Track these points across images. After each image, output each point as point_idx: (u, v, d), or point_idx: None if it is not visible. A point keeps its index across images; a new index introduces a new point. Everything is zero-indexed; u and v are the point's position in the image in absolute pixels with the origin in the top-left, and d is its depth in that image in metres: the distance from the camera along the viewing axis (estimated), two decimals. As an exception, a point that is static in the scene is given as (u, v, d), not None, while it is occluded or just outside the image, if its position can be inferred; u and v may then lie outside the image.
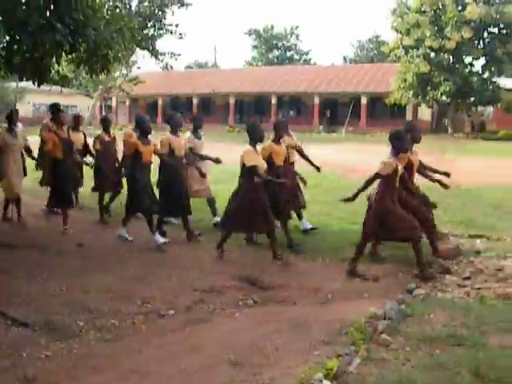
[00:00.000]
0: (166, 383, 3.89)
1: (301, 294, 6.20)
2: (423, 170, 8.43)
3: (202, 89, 49.83)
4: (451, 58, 38.33)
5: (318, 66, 58.16)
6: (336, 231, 9.17)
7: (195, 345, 4.44)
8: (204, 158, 9.49)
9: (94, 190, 10.24)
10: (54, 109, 9.62)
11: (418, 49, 38.09)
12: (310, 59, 74.87)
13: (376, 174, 7.01)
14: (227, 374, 3.83)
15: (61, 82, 10.85)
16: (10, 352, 4.55)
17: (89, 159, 10.43)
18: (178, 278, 6.68)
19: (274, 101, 47.16)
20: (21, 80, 9.13)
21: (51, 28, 7.30)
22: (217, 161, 9.33)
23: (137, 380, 3.99)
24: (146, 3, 22.89)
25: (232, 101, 48.53)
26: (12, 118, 9.31)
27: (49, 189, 9.43)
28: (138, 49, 12.57)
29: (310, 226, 9.10)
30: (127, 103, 51.18)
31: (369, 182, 7.09)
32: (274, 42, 72.75)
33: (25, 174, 9.73)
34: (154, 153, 8.58)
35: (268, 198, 7.72)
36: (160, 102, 50.88)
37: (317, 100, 46.21)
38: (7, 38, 7.63)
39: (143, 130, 8.57)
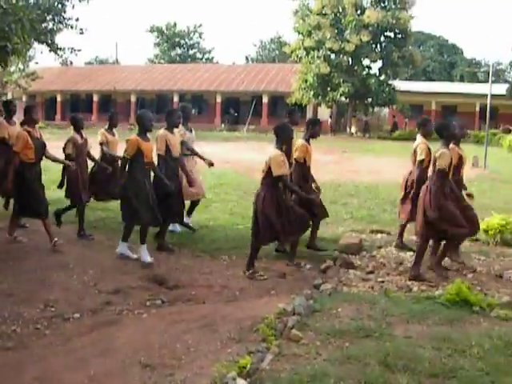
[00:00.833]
0: (73, 391, 3.73)
1: (209, 293, 6.14)
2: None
3: (103, 86, 48.67)
4: (350, 60, 39.66)
5: (221, 65, 58.29)
6: (240, 229, 9.18)
7: (104, 349, 4.28)
8: (197, 154, 9.03)
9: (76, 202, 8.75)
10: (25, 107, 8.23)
11: (318, 50, 39.05)
12: (212, 58, 74.95)
13: (440, 171, 6.80)
14: (139, 377, 3.72)
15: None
16: None
17: None
18: (82, 279, 6.42)
19: (176, 99, 46.79)
20: None
21: None
22: (210, 164, 8.96)
23: (42, 389, 3.79)
24: (45, -5, 22.28)
25: (133, 98, 47.73)
26: None
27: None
28: (36, 43, 11.97)
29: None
30: (24, 99, 49.06)
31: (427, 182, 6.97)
32: (177, 40, 72.15)
33: None
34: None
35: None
36: (59, 98, 49.20)
37: (219, 98, 46.38)
38: None
39: (146, 128, 7.54)
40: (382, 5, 39.23)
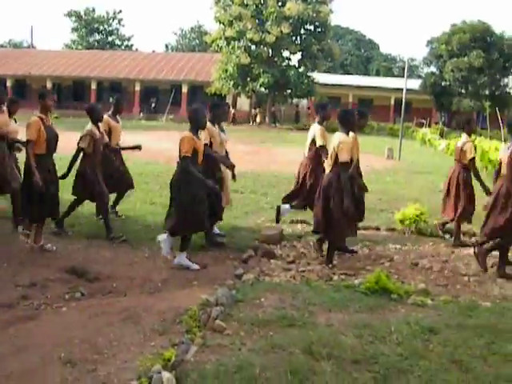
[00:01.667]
0: (-11, 390, 3.56)
1: (130, 285, 6.02)
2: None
3: (17, 70, 46.72)
4: (271, 51, 39.93)
5: (140, 53, 57.36)
6: (161, 220, 9.04)
7: (22, 345, 4.09)
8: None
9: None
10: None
11: (239, 41, 39.10)
12: (131, 45, 73.59)
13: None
14: (60, 374, 3.58)
15: None
16: None
17: None
18: (-4, 272, 6.16)
19: (93, 86, 45.71)
20: None
21: None
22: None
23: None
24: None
25: (49, 84, 46.00)
26: None
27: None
28: None
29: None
30: None
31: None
32: (95, 26, 70.30)
33: None
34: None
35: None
36: (-32, 83, 46.88)
37: (138, 87, 45.65)
38: None
39: (200, 125, 7.01)
40: (303, -2, 39.72)
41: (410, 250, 8.08)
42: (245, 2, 39.28)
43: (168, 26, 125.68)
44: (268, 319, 4.61)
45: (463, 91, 43.29)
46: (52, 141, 7.08)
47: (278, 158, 20.18)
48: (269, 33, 38.13)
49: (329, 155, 7.19)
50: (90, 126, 7.95)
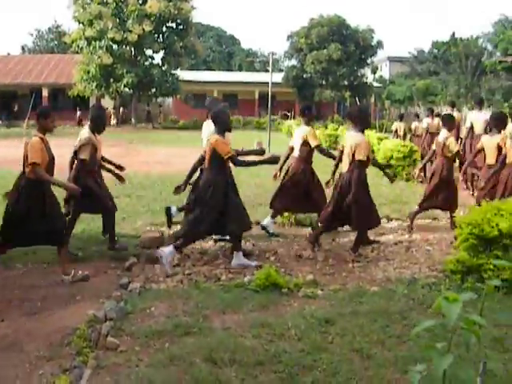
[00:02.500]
0: None
1: (6, 308, 5.52)
2: None
3: None
4: (133, 50, 39.06)
5: (-7, 56, 53.90)
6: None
7: None
8: None
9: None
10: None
11: (100, 40, 37.77)
12: (-19, 48, 69.00)
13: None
14: None
15: None
16: None
17: None
18: None
19: None
20: None
21: None
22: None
23: None
24: None
25: None
26: None
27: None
28: None
29: None
30: None
31: None
32: None
33: None
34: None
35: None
36: None
37: (-6, 92, 42.88)
38: None
39: (226, 127, 6.99)
40: (165, -5, 39.22)
41: (292, 241, 8.14)
42: (105, 1, 38.07)
43: (23, 26, 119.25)
44: (162, 329, 4.41)
45: (324, 82, 45.03)
46: (52, 164, 6.41)
47: (148, 158, 19.77)
48: (130, 31, 37.25)
49: (345, 154, 7.35)
50: (88, 133, 7.24)
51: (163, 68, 40.27)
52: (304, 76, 45.50)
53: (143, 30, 37.26)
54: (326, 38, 43.39)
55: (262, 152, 7.42)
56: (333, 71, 43.28)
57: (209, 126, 7.93)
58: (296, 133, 8.82)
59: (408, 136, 19.99)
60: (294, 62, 48.12)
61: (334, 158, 8.19)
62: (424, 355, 3.69)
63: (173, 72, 40.34)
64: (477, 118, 12.68)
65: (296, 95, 46.72)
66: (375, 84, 50.78)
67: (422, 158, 11.43)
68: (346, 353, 3.96)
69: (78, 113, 40.07)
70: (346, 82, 44.86)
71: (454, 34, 54.19)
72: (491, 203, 6.11)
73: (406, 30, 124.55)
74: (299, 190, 8.49)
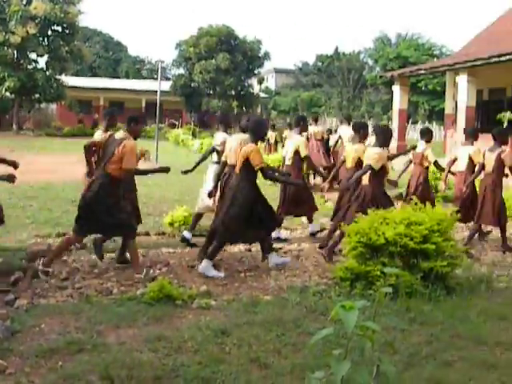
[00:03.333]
0: None
1: None
2: None
3: None
4: (16, 53, 37.37)
5: None
6: None
7: None
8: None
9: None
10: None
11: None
12: None
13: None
14: None
15: None
16: None
17: None
18: None
19: None
20: None
21: None
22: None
23: None
24: None
25: None
26: None
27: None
28: None
29: None
30: None
31: None
32: None
33: None
34: None
35: None
36: None
37: None
38: None
39: (261, 136, 7.37)
40: (51, -3, 37.87)
41: (184, 252, 8.10)
42: (-16, -1, 36.26)
43: None
44: (54, 348, 4.23)
45: (212, 92, 45.30)
46: None
47: (30, 167, 18.92)
48: (13, 33, 35.57)
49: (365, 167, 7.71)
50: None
51: (47, 73, 38.89)
52: (192, 85, 45.57)
53: (27, 32, 35.75)
54: (215, 48, 43.74)
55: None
56: (220, 81, 43.66)
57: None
58: (289, 143, 9.28)
59: (280, 144, 20.81)
60: (182, 70, 48.09)
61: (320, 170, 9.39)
62: (319, 362, 3.81)
63: (57, 77, 39.06)
64: (345, 133, 14.38)
65: (183, 104, 46.66)
66: (262, 94, 51.86)
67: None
68: (244, 363, 4.00)
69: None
70: (233, 92, 45.42)
71: (337, 48, 56.60)
72: (377, 212, 6.41)
73: (291, 42, 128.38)
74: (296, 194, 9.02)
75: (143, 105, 48.11)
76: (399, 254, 5.92)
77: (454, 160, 9.71)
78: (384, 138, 7.81)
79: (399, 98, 23.03)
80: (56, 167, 18.44)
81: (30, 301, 5.75)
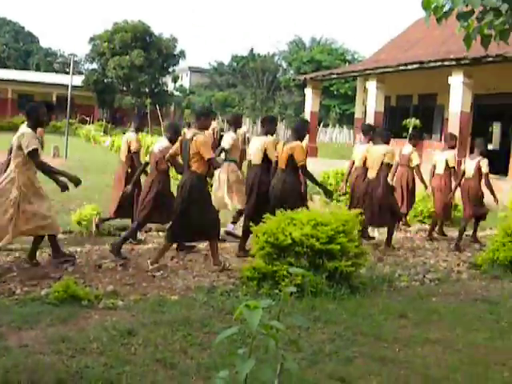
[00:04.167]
0: None
1: None
2: None
3: None
4: None
5: None
6: None
7: None
8: None
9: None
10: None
11: None
12: None
13: None
14: None
15: None
16: None
17: None
18: None
19: None
20: None
21: None
22: None
23: None
24: None
25: None
26: None
27: None
28: None
29: None
30: None
31: None
32: None
33: None
34: None
35: None
36: None
37: None
38: None
39: (304, 135, 8.07)
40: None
41: (92, 251, 7.94)
42: None
43: None
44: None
45: (125, 88, 44.52)
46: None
47: None
48: None
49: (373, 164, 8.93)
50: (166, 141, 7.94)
51: None
52: (105, 81, 44.60)
53: None
54: (129, 44, 43.02)
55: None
56: (134, 77, 42.99)
57: (262, 141, 8.34)
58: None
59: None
60: (95, 65, 46.95)
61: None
62: (225, 361, 3.85)
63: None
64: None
65: (96, 100, 45.61)
66: (176, 93, 51.49)
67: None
68: (150, 363, 3.98)
69: None
70: (147, 89, 44.81)
71: (252, 49, 56.96)
72: (285, 213, 6.53)
73: (207, 41, 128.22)
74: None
75: (54, 99, 46.59)
76: (305, 254, 6.06)
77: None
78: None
79: (311, 101, 23.50)
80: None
81: None
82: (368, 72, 20.75)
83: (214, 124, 19.01)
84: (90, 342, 4.30)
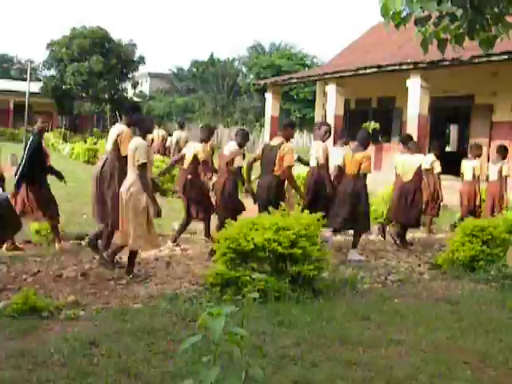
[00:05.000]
0: None
1: None
2: None
3: None
4: None
5: None
6: None
7: None
8: None
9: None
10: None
11: None
12: None
13: None
14: None
15: None
16: None
17: None
18: None
19: None
20: None
21: None
22: None
23: None
24: None
25: None
26: None
27: None
28: None
29: None
30: None
31: None
32: None
33: None
34: None
35: None
36: None
37: None
38: None
39: (368, 144, 8.96)
40: None
41: (52, 261, 7.79)
42: None
43: None
44: None
45: (84, 95, 43.94)
46: None
47: None
48: None
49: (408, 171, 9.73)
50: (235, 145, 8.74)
51: None
52: (64, 87, 43.86)
53: None
54: (88, 50, 42.44)
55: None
56: (93, 84, 42.42)
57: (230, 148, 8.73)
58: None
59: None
60: (53, 72, 46.15)
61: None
62: (190, 369, 3.81)
63: None
64: (180, 136, 18.90)
65: (55, 107, 44.91)
66: (135, 99, 51.03)
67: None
68: (113, 374, 3.91)
69: None
70: (106, 96, 44.31)
71: (212, 54, 56.90)
72: (247, 218, 6.52)
73: (166, 47, 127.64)
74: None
75: (11, 107, 45.74)
76: (268, 258, 6.06)
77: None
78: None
79: (271, 106, 23.57)
80: None
81: None
82: (327, 76, 20.92)
83: (162, 131, 20.75)
84: (51, 354, 4.21)
